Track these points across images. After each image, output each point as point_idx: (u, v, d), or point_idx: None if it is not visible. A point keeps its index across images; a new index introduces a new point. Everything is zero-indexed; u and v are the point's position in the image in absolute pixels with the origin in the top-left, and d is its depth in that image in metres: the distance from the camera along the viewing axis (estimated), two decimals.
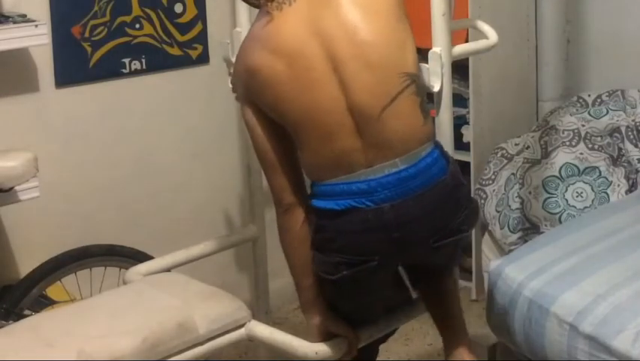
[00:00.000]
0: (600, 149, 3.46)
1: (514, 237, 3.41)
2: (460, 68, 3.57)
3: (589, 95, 3.72)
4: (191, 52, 3.33)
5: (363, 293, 2.09)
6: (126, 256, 2.93)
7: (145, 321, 2.17)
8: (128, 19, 3.18)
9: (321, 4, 1.99)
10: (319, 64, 1.97)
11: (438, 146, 2.12)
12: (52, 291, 2.85)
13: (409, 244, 2.04)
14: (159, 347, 2.15)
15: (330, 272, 2.02)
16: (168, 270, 2.59)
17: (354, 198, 1.97)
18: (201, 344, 2.24)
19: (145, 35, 3.23)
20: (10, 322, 2.57)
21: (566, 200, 3.37)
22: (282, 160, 2.03)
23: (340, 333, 2.14)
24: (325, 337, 2.14)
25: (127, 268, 2.65)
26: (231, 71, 2.16)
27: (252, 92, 2.02)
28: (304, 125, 1.99)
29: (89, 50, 3.11)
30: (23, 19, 2.78)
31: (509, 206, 3.46)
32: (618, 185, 3.38)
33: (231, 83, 2.22)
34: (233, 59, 2.83)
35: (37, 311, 2.68)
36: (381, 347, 3.46)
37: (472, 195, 2.34)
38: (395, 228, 1.99)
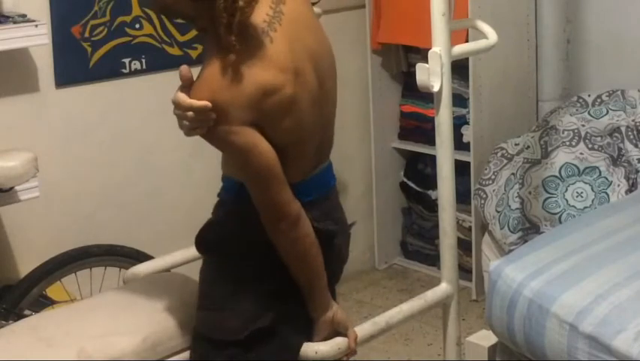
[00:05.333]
0: (600, 149, 3.46)
1: (514, 237, 3.41)
2: (460, 68, 3.58)
3: (589, 95, 3.72)
4: (191, 52, 3.33)
5: None
6: (126, 256, 2.94)
7: (145, 321, 2.17)
8: (128, 19, 3.18)
9: (297, 21, 2.03)
10: (313, 81, 2.03)
11: None
12: (52, 291, 2.85)
13: None
14: (159, 346, 2.15)
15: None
16: (168, 270, 2.59)
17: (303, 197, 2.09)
18: None
19: (145, 35, 3.23)
20: (10, 322, 2.57)
21: (566, 200, 3.37)
22: (282, 173, 2.00)
23: (346, 329, 2.14)
24: (331, 335, 2.14)
25: (127, 268, 2.65)
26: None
27: (261, 111, 1.93)
28: (302, 139, 2.04)
29: (89, 50, 3.11)
30: (23, 19, 2.79)
31: (509, 206, 3.46)
32: (618, 185, 3.38)
33: (197, 115, 1.90)
34: None
35: (37, 311, 2.68)
36: (381, 347, 3.47)
37: None
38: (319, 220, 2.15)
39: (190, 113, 1.89)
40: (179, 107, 1.90)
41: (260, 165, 1.96)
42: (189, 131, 1.93)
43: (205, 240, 2.16)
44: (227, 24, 1.85)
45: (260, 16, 1.93)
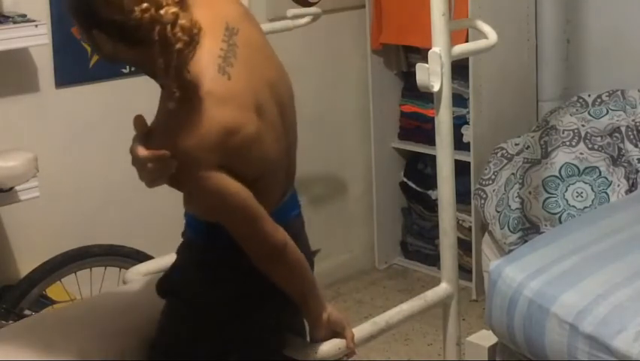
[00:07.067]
0: (600, 149, 3.46)
1: (514, 237, 3.41)
2: (460, 68, 3.57)
3: (589, 95, 3.72)
4: None
5: None
6: (126, 256, 2.94)
7: (145, 321, 2.17)
8: None
9: (253, 49, 1.95)
10: (274, 111, 1.96)
11: None
12: (52, 291, 2.85)
13: None
14: None
15: None
16: None
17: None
18: None
19: None
20: (10, 322, 2.57)
21: (566, 200, 3.37)
22: (258, 207, 1.92)
23: (343, 329, 2.14)
24: (329, 336, 2.14)
25: (127, 268, 2.65)
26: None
27: (226, 152, 1.83)
28: (269, 172, 1.97)
29: (89, 50, 3.11)
30: (23, 19, 2.79)
31: (509, 206, 3.46)
32: (618, 185, 3.38)
33: (156, 165, 1.80)
34: None
35: (37, 311, 2.68)
36: (381, 346, 3.47)
37: None
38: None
39: (149, 165, 1.79)
40: (137, 160, 1.81)
41: (235, 207, 1.88)
42: (151, 183, 1.84)
43: (171, 283, 2.10)
44: (165, 70, 1.75)
45: (214, 51, 1.84)
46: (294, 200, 2.13)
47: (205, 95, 1.80)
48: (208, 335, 2.02)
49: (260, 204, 1.91)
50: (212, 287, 2.02)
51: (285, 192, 2.07)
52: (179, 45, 1.73)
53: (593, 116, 3.60)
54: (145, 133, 1.83)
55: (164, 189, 3.71)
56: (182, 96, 1.78)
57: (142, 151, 1.80)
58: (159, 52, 1.73)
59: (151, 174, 1.81)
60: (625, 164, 3.45)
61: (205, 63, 1.81)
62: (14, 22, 2.76)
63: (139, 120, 1.84)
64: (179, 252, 2.14)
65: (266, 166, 1.94)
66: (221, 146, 1.81)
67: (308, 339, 2.13)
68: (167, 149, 1.78)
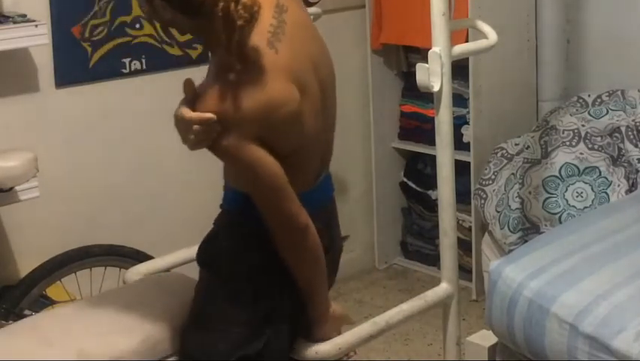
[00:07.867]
0: (600, 149, 3.46)
1: (514, 237, 3.41)
2: (460, 68, 3.57)
3: (589, 95, 3.72)
4: (191, 52, 3.33)
5: None
6: (126, 256, 2.94)
7: (145, 321, 2.17)
8: (128, 19, 3.18)
9: (300, 27, 1.99)
10: (316, 89, 2.00)
11: None
12: (52, 291, 2.85)
13: None
14: (159, 346, 2.15)
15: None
16: (168, 270, 2.59)
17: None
18: None
19: (145, 35, 3.23)
20: (10, 322, 2.57)
21: (566, 200, 3.37)
22: (289, 185, 1.97)
23: (349, 321, 2.15)
24: (335, 331, 2.15)
25: (127, 268, 2.65)
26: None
27: (267, 125, 1.89)
28: (306, 150, 2.02)
29: (89, 50, 3.11)
30: (23, 19, 2.79)
31: (509, 206, 3.46)
32: (618, 185, 3.38)
33: (203, 128, 1.87)
34: None
35: (37, 311, 2.68)
36: (381, 346, 3.47)
37: None
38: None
39: (196, 127, 1.86)
40: (183, 122, 1.87)
41: (266, 180, 1.94)
42: (194, 145, 1.90)
43: (205, 253, 2.14)
44: (226, 44, 1.81)
45: (264, 26, 1.89)
46: (328, 182, 2.19)
47: (253, 67, 1.86)
48: (239, 312, 2.04)
49: (294, 180, 1.96)
50: (241, 257, 2.05)
51: (320, 173, 2.12)
52: (240, 22, 1.79)
53: (593, 116, 3.60)
54: (192, 97, 1.89)
55: (164, 189, 3.71)
56: (233, 67, 1.84)
57: (189, 113, 1.86)
58: (222, 27, 1.79)
59: (195, 136, 1.87)
60: (625, 164, 3.45)
61: (254, 37, 1.87)
62: (14, 22, 2.76)
63: (188, 84, 1.90)
64: (216, 221, 2.18)
65: (302, 141, 1.99)
66: (264, 117, 1.88)
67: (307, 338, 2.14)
68: (212, 113, 1.85)
